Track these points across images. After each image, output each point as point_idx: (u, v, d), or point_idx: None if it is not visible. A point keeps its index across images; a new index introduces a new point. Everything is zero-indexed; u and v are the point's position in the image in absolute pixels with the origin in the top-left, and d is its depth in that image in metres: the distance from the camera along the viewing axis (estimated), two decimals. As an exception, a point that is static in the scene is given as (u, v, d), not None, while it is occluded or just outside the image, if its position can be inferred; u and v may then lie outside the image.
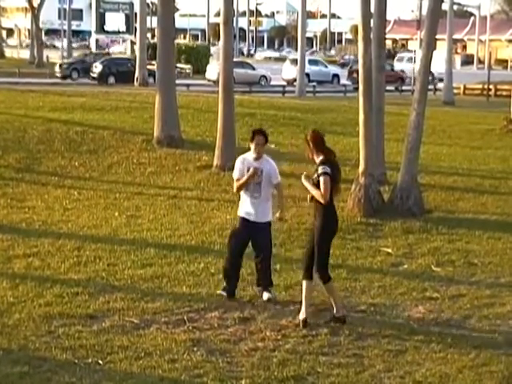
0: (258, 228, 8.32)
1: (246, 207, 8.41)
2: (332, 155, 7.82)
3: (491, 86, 42.90)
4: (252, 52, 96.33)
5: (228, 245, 8.68)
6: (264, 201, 8.35)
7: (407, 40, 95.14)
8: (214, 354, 6.99)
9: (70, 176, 16.00)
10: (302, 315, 7.75)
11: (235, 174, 8.44)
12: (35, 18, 56.20)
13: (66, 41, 63.70)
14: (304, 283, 7.81)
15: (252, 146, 8.32)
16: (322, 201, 7.56)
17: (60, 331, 7.40)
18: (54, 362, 6.74)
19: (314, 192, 7.63)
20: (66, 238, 10.94)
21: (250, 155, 8.37)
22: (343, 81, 48.07)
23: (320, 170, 7.57)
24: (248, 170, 8.28)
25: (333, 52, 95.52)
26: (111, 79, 41.06)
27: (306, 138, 7.87)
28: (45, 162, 16.94)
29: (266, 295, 8.40)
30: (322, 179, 7.51)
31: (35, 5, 56.21)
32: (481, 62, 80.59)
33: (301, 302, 7.83)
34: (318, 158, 7.72)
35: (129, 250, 10.37)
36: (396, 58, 59.94)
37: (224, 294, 8.41)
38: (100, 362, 6.77)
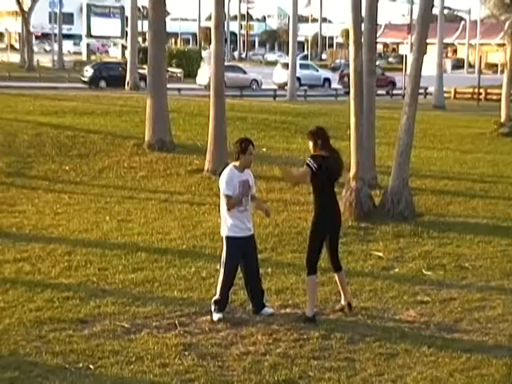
0: (250, 240, 7.99)
1: (237, 223, 7.82)
2: (335, 153, 8.03)
3: (481, 90, 43.08)
4: (243, 56, 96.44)
5: (226, 273, 7.92)
6: (250, 211, 8.04)
7: (398, 44, 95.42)
8: (206, 358, 6.98)
9: (60, 180, 15.97)
10: (343, 302, 8.26)
11: (228, 191, 7.74)
12: (26, 21, 56.08)
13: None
14: (336, 276, 8.27)
15: (245, 157, 7.76)
16: (288, 181, 8.51)
17: (51, 336, 7.37)
18: (44, 366, 6.71)
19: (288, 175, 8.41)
20: (56, 242, 10.91)
21: (235, 167, 7.84)
22: (334, 85, 48.18)
23: (306, 160, 7.88)
24: (239, 185, 7.76)
25: (324, 56, 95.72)
26: (102, 83, 40.99)
27: (312, 133, 8.03)
28: (35, 167, 16.90)
29: (270, 310, 8.15)
30: (303, 168, 7.90)
31: (26, 9, 56.09)
32: (471, 66, 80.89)
33: (339, 293, 8.33)
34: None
35: (120, 254, 10.35)
36: None
37: (221, 316, 7.91)
38: (91, 366, 6.74)
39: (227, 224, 7.90)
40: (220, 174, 8.08)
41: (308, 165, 7.81)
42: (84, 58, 70.91)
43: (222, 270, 8.02)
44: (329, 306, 8.45)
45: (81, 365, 6.77)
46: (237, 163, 7.86)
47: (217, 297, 8.01)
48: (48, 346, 7.14)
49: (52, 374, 6.57)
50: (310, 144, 8.04)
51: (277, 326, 7.77)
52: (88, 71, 42.57)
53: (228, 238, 7.92)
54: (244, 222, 7.89)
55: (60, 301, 8.37)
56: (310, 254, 8.03)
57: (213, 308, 7.98)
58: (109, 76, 41.70)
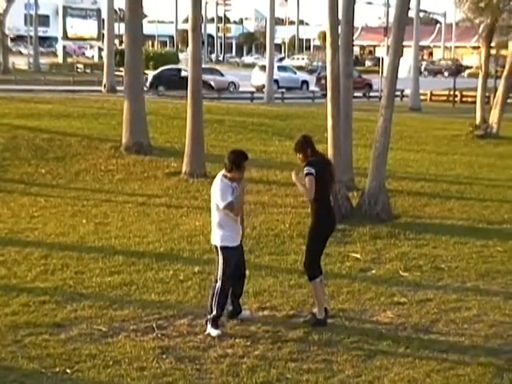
0: (242, 245, 7.91)
1: (233, 232, 7.63)
2: (322, 156, 8.12)
3: (457, 93, 43.42)
4: (220, 58, 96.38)
5: (225, 284, 7.61)
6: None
7: (374, 47, 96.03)
8: (183, 361, 6.96)
9: (36, 183, 15.85)
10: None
11: (230, 198, 7.44)
12: (0, 23, 55.59)
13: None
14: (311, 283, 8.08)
15: (238, 173, 7.55)
16: (306, 197, 7.99)
17: (27, 340, 7.31)
18: (20, 371, 6.66)
19: (300, 189, 7.92)
20: (32, 246, 10.83)
21: (225, 177, 7.55)
22: (312, 87, 48.30)
23: (305, 170, 7.78)
24: (232, 191, 7.50)
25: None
26: (161, 87, 41.05)
27: (300, 142, 8.00)
28: (11, 170, 16.77)
29: (246, 313, 8.11)
30: (306, 179, 7.74)
31: (0, 11, 55.61)
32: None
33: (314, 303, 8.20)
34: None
35: (97, 257, 10.30)
36: None
37: (220, 332, 7.57)
38: (68, 370, 6.70)
39: (223, 234, 7.57)
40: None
41: (309, 173, 7.68)
42: (60, 60, 70.45)
43: (219, 284, 7.58)
44: (306, 308, 8.46)
45: (57, 369, 6.72)
46: (228, 174, 7.57)
47: (215, 313, 7.61)
48: (24, 350, 7.09)
49: (28, 379, 6.52)
50: (300, 155, 7.92)
51: (255, 329, 7.77)
52: (148, 76, 42.85)
53: (226, 248, 7.56)
54: (239, 230, 7.74)
55: (36, 305, 8.31)
56: (313, 257, 7.96)
57: (209, 325, 7.64)
58: (167, 80, 41.58)
